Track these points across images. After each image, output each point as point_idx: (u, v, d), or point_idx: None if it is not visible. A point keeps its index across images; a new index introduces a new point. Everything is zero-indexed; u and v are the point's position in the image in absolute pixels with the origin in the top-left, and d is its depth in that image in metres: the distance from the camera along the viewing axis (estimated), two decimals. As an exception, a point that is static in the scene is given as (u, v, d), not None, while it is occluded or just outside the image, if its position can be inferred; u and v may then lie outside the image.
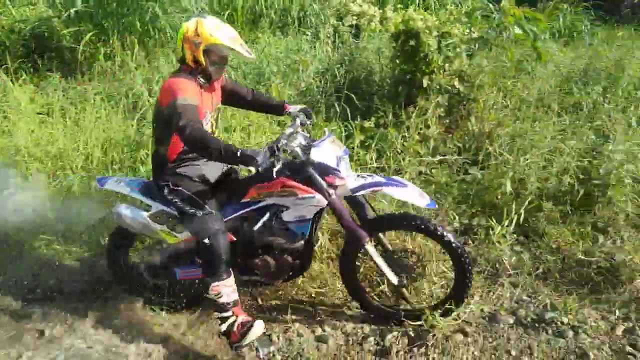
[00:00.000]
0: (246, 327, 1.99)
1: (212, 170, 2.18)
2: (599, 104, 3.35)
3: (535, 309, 2.23)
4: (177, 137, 1.89)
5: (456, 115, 3.32)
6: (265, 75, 4.01)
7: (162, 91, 2.01)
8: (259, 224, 2.08)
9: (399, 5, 4.59)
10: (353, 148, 3.02)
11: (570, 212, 2.69)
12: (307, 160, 1.94)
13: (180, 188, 2.07)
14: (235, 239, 2.11)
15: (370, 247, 2.04)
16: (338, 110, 3.45)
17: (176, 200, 2.06)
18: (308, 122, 2.22)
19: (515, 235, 2.59)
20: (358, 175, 2.08)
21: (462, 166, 3.05)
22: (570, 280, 2.40)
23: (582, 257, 2.44)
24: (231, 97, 2.29)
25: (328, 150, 1.99)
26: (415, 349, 2.02)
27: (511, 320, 2.16)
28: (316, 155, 1.93)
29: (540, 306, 2.25)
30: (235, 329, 2.02)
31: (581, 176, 2.84)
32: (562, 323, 2.11)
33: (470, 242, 2.66)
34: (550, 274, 2.45)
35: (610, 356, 1.94)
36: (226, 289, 2.01)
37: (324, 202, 1.99)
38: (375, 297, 2.27)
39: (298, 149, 1.93)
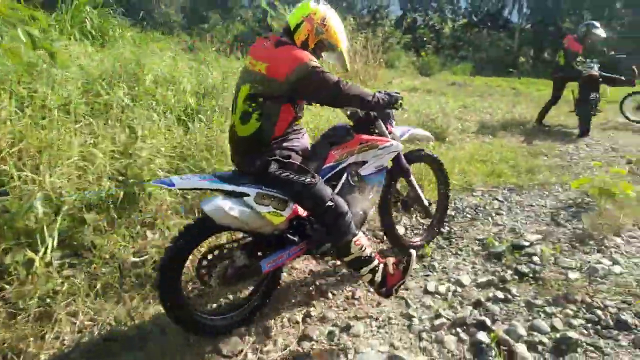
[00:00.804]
0: (405, 262, 2.19)
1: (307, 141, 2.18)
2: (125, 104, 3.47)
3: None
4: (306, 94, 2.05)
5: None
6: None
7: (276, 61, 1.94)
8: (339, 186, 2.25)
9: None
10: None
11: (116, 216, 2.66)
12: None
13: (290, 160, 2.03)
14: None
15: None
16: None
17: (287, 173, 2.00)
18: None
19: (63, 259, 2.29)
20: None
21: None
22: (132, 285, 2.38)
23: (136, 259, 2.48)
24: None
25: None
26: None
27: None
28: None
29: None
30: (391, 270, 2.18)
31: (120, 177, 2.88)
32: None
33: (7, 286, 2.11)
34: (110, 287, 2.33)
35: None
36: (363, 239, 2.11)
37: (401, 146, 2.50)
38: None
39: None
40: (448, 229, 3.25)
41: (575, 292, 2.33)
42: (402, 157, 2.63)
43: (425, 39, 46.44)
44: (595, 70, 6.23)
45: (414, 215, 3.31)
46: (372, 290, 2.29)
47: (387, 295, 2.18)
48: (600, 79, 6.34)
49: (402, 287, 2.20)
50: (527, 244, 2.91)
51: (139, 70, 3.98)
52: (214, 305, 2.35)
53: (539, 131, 6.53)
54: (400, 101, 2.30)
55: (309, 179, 2.00)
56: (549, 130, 6.66)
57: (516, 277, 2.55)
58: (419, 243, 2.93)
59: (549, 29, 41.47)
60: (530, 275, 2.54)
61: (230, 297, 2.42)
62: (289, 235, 2.14)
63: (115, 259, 2.45)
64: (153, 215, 2.85)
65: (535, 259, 2.72)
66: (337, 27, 2.11)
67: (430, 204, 2.85)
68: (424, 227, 3.25)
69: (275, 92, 1.96)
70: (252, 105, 1.99)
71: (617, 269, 2.54)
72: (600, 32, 6.41)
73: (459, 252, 2.94)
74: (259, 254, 2.10)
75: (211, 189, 1.97)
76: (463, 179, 4.18)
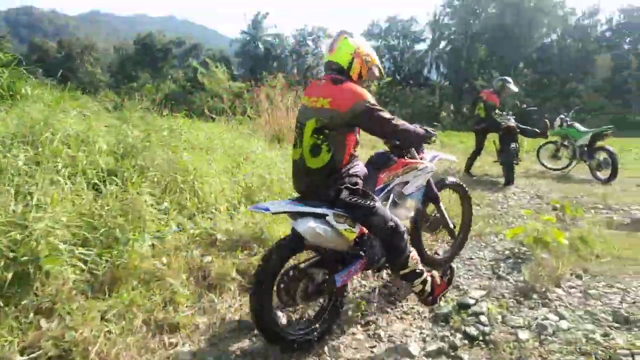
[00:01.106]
0: (448, 274, 2.61)
1: (363, 166, 2.44)
2: (23, 168, 3.00)
3: None
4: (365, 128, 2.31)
5: None
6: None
7: (337, 96, 2.21)
8: (388, 205, 2.58)
9: None
10: None
11: (1, 304, 2.16)
12: None
13: (357, 187, 2.27)
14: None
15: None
16: None
17: (356, 198, 2.23)
18: None
19: None
20: None
21: None
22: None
23: (24, 358, 1.98)
24: None
25: None
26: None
27: None
28: None
29: None
30: (438, 282, 2.52)
31: (11, 254, 2.38)
32: None
33: None
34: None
35: None
36: (416, 255, 2.45)
37: (435, 168, 2.95)
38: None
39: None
40: (391, 289, 3.05)
41: (529, 355, 2.19)
42: (433, 184, 3.07)
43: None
44: (512, 121, 6.67)
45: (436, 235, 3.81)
46: (418, 301, 2.62)
47: (432, 304, 2.55)
48: (518, 130, 6.79)
49: (445, 296, 2.67)
50: (472, 301, 2.79)
51: (45, 130, 3.55)
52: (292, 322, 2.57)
53: (468, 181, 6.75)
54: (434, 137, 2.67)
55: (372, 203, 2.27)
56: (476, 180, 6.92)
57: (466, 341, 2.38)
58: (442, 260, 3.33)
59: (464, 86, 45.76)
60: (480, 338, 2.38)
61: (308, 313, 2.62)
62: (355, 252, 2.44)
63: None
64: (52, 298, 2.37)
65: (483, 318, 2.58)
66: (371, 50, 2.44)
67: (454, 225, 3.32)
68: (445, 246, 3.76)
69: (339, 122, 2.22)
70: (320, 138, 2.24)
71: (564, 324, 2.46)
72: (513, 87, 6.97)
73: (405, 316, 2.73)
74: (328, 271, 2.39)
75: (300, 212, 2.22)
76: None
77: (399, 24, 54.67)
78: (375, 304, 2.82)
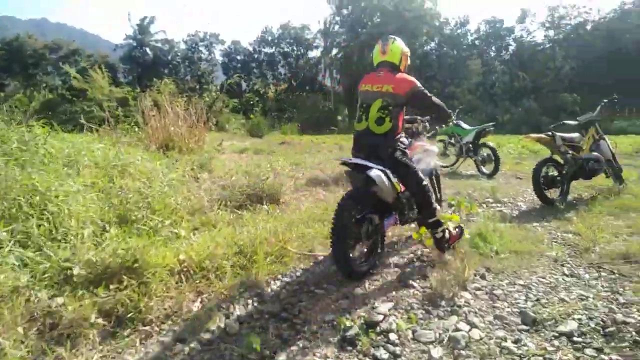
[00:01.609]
0: (459, 226, 3.43)
1: None
2: None
3: None
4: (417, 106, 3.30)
5: None
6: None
7: (398, 83, 3.11)
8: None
9: None
10: None
11: None
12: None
13: (406, 150, 3.20)
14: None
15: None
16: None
17: (405, 158, 3.14)
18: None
19: None
20: None
21: None
22: None
23: None
24: None
25: None
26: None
27: None
28: None
29: None
30: (453, 232, 3.32)
31: None
32: None
33: None
34: None
35: None
36: (439, 208, 3.37)
37: (437, 149, 3.89)
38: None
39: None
40: (293, 312, 2.63)
41: (445, 378, 1.92)
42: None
43: (252, 102, 48.54)
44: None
45: None
46: (436, 247, 3.30)
47: (446, 249, 3.27)
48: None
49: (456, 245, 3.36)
50: (380, 317, 2.48)
51: None
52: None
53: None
54: (452, 117, 3.92)
55: (413, 164, 3.17)
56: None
57: (377, 367, 2.05)
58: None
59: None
60: (392, 361, 2.07)
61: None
62: (394, 207, 3.21)
63: None
64: None
65: (393, 336, 2.29)
66: (406, 47, 3.34)
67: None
68: None
69: (399, 102, 3.11)
70: (385, 112, 3.09)
71: (476, 333, 2.27)
72: None
73: (307, 345, 2.32)
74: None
75: (370, 165, 2.98)
76: (303, 244, 3.69)
77: (292, 31, 55.39)
78: (272, 334, 2.37)
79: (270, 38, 55.83)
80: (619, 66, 37.93)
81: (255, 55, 56.13)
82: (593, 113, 5.42)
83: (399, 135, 3.17)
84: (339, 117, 31.67)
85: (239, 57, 55.71)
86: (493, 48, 46.87)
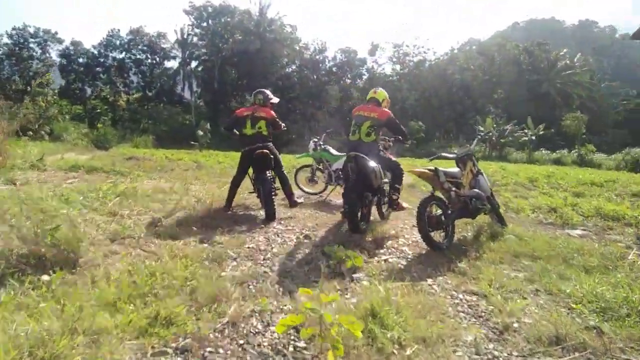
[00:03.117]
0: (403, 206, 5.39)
1: None
2: None
3: None
4: (390, 128, 5.07)
5: None
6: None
7: (381, 113, 4.94)
8: None
9: None
10: None
11: None
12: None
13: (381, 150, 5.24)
14: None
15: None
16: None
17: (384, 157, 5.13)
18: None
19: None
20: None
21: None
22: None
23: None
24: None
25: None
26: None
27: None
28: None
29: None
30: (402, 204, 5.31)
31: None
32: None
33: None
34: None
35: None
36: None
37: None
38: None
39: None
40: None
41: None
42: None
43: (99, 110, 42.56)
44: (271, 146, 5.58)
45: None
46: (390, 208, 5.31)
47: (396, 210, 5.31)
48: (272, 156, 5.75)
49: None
50: None
51: None
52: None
53: (223, 217, 5.25)
54: (409, 142, 5.70)
55: (387, 158, 5.26)
56: (233, 214, 5.50)
57: None
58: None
59: (219, 106, 45.79)
60: None
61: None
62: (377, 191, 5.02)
63: None
64: None
65: None
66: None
67: None
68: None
69: (380, 124, 4.92)
70: (371, 129, 4.86)
71: None
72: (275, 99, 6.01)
73: None
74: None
75: (369, 161, 4.68)
76: (96, 353, 2.10)
77: (145, 37, 50.77)
78: None
79: (118, 42, 50.12)
80: (449, 99, 43.95)
81: (101, 60, 49.72)
82: (470, 146, 5.00)
83: (379, 144, 5.11)
84: (200, 132, 29.19)
85: (80, 60, 48.68)
86: (349, 75, 49.88)
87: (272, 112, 5.81)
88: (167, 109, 45.19)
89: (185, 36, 47.34)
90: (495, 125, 34.99)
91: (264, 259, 3.74)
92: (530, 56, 45.80)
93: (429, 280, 3.41)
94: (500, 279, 3.39)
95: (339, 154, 7.26)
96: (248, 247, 4.03)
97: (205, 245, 3.96)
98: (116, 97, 47.65)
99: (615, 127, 44.16)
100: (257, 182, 5.48)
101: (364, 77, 50.07)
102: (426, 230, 4.14)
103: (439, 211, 4.45)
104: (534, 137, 32.17)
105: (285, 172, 5.87)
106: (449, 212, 4.42)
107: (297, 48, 49.10)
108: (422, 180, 5.02)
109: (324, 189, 7.68)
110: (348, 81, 49.78)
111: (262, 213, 5.45)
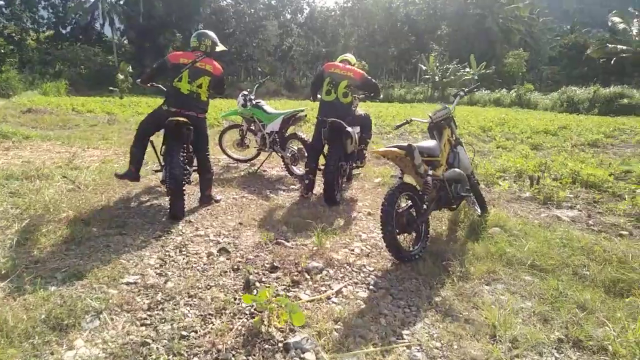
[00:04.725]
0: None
1: None
2: None
3: None
4: (365, 88, 4.79)
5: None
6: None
7: (356, 73, 4.62)
8: None
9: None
10: None
11: None
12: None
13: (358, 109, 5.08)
14: None
15: None
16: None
17: (357, 115, 4.89)
18: None
19: None
20: None
21: None
22: None
23: None
24: None
25: None
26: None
27: None
28: None
29: None
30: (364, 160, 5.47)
31: None
32: None
33: None
34: None
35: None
36: None
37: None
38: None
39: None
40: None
41: None
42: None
43: (3, 51, 36.52)
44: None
45: None
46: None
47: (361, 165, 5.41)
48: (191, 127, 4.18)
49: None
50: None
51: None
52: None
53: (104, 214, 3.73)
54: (380, 96, 5.23)
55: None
56: (124, 208, 3.98)
57: None
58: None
59: (146, 45, 40.93)
60: None
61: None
62: (351, 155, 4.79)
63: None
64: None
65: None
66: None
67: None
68: None
69: (355, 84, 4.62)
70: (349, 89, 4.57)
71: None
72: (222, 46, 4.35)
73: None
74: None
75: (346, 126, 4.45)
76: None
77: (53, -36, 43.33)
78: None
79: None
80: (394, 35, 42.25)
81: (2, -10, 41.97)
82: (449, 106, 3.73)
83: (354, 104, 4.84)
84: (120, 76, 25.56)
85: (-24, -10, 40.83)
86: (289, 10, 46.24)
87: (220, 68, 4.16)
88: (85, 49, 39.65)
89: (102, -39, 40.78)
90: (438, 65, 34.24)
91: (148, 309, 2.36)
92: (475, -12, 44.61)
93: (406, 336, 2.22)
94: (508, 322, 2.28)
95: (275, 111, 5.76)
96: (127, 283, 2.59)
97: (52, 288, 2.46)
98: (23, 35, 40.94)
99: (550, 64, 45.17)
100: (165, 161, 3.92)
101: (305, 12, 46.65)
102: (394, 235, 2.93)
103: (409, 204, 3.23)
104: (476, 77, 31.85)
105: (209, 157, 4.27)
106: (425, 204, 3.22)
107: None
108: (389, 161, 3.75)
109: (256, 155, 6.23)
110: (288, 16, 46.20)
111: (166, 203, 3.96)
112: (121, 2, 43.09)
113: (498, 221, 3.71)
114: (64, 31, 44.78)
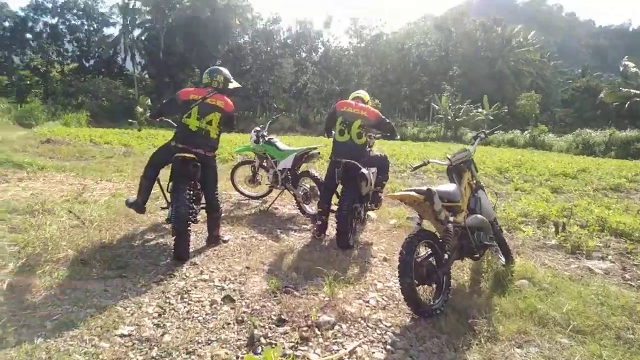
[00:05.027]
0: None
1: None
2: None
3: None
4: (379, 128, 4.65)
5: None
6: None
7: (369, 112, 4.45)
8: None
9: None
10: None
11: None
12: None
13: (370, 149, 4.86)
14: None
15: None
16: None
17: (373, 157, 4.68)
18: None
19: None
20: None
21: None
22: None
23: None
24: None
25: None
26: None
27: None
28: None
29: None
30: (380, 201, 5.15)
31: None
32: None
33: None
34: None
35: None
36: None
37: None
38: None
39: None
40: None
41: None
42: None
43: (29, 82, 37.87)
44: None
45: None
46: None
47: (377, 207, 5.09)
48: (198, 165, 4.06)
49: None
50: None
51: None
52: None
53: (107, 254, 3.54)
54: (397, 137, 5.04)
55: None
56: (128, 247, 3.80)
57: None
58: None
59: (165, 79, 42.14)
60: None
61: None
62: (366, 197, 4.59)
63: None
64: None
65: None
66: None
67: None
68: None
69: (370, 125, 4.50)
70: (362, 129, 4.39)
71: None
72: (236, 83, 4.30)
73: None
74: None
75: (361, 167, 4.28)
76: None
77: (80, 1, 45.55)
78: None
79: (50, 5, 44.57)
80: (406, 75, 42.98)
81: (30, 24, 44.06)
82: (469, 148, 3.55)
83: (368, 145, 4.71)
84: (139, 109, 26.13)
85: (6, 24, 42.87)
86: (304, 48, 47.54)
87: (231, 104, 4.06)
88: (106, 82, 40.94)
89: (126, 0, 42.77)
90: (450, 104, 34.43)
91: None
92: (485, 32, 45.54)
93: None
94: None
95: (288, 148, 5.65)
96: (121, 335, 2.37)
97: (39, 340, 2.25)
98: (49, 67, 42.59)
99: (562, 106, 45.17)
100: (171, 199, 3.77)
101: (320, 51, 47.88)
102: (413, 288, 2.69)
103: (428, 252, 2.99)
104: (491, 117, 31.88)
105: (218, 196, 4.09)
106: (447, 253, 2.98)
107: (250, 17, 45.97)
108: (407, 206, 3.54)
109: (268, 192, 6.08)
110: (303, 54, 47.44)
111: (171, 243, 3.78)
112: (142, 38, 44.80)
113: (525, 272, 3.42)
114: (87, 64, 46.47)
